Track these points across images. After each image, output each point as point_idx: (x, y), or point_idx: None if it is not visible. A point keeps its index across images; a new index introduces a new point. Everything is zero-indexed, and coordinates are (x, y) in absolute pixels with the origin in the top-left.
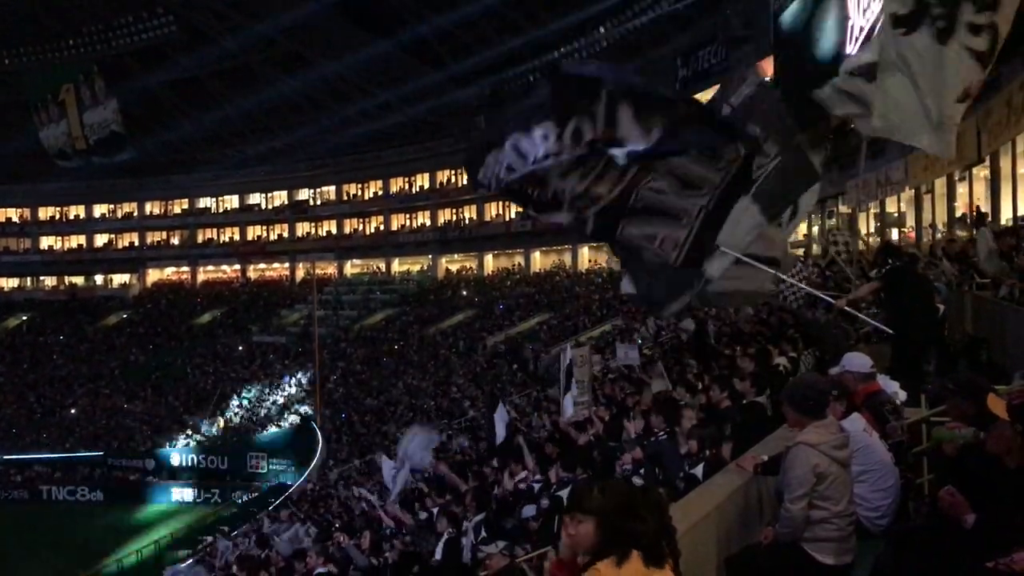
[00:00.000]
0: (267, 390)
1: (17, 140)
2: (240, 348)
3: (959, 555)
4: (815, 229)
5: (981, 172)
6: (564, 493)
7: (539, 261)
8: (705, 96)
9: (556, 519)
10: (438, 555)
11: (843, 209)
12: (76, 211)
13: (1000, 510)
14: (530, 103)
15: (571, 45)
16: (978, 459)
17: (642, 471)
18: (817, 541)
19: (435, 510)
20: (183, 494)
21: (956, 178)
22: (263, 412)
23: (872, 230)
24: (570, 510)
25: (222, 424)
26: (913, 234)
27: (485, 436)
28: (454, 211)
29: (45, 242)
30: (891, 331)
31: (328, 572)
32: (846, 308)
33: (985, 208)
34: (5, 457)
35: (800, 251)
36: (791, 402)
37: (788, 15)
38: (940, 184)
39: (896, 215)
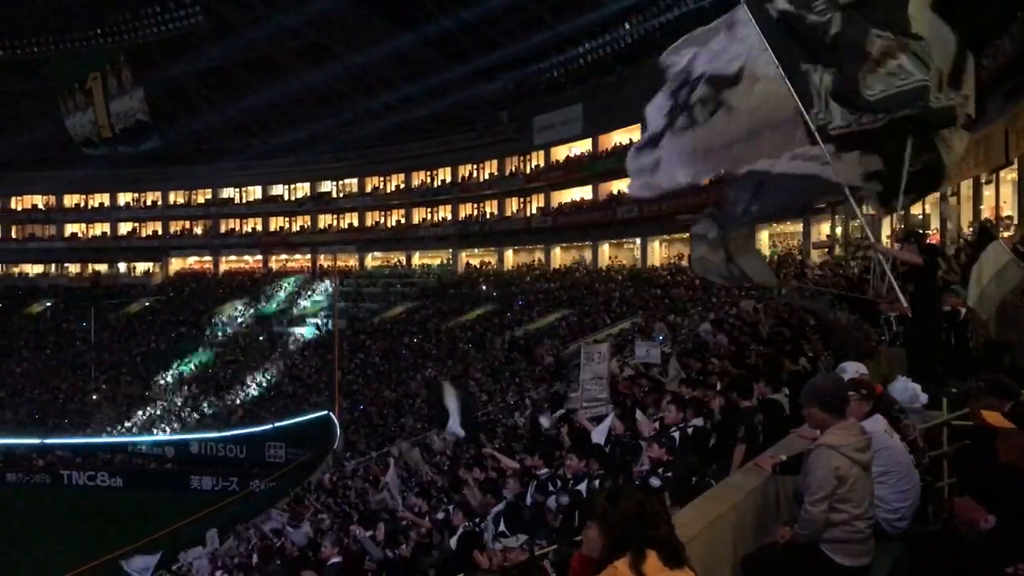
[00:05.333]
0: None
1: (44, 128)
2: (260, 338)
3: (977, 560)
4: (839, 231)
5: (1008, 175)
6: (583, 487)
7: (559, 257)
8: None
9: (576, 514)
10: (453, 547)
11: (867, 210)
12: (101, 199)
13: (1020, 516)
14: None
15: (595, 41)
16: (993, 469)
17: (660, 471)
18: (835, 542)
19: (451, 507)
20: (201, 482)
21: (983, 180)
22: None
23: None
24: (586, 515)
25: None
26: (937, 237)
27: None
28: (475, 206)
29: (70, 229)
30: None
31: (342, 563)
32: (879, 250)
33: (1011, 212)
34: (27, 441)
35: (823, 250)
36: (819, 401)
37: None
38: (966, 187)
39: (920, 217)
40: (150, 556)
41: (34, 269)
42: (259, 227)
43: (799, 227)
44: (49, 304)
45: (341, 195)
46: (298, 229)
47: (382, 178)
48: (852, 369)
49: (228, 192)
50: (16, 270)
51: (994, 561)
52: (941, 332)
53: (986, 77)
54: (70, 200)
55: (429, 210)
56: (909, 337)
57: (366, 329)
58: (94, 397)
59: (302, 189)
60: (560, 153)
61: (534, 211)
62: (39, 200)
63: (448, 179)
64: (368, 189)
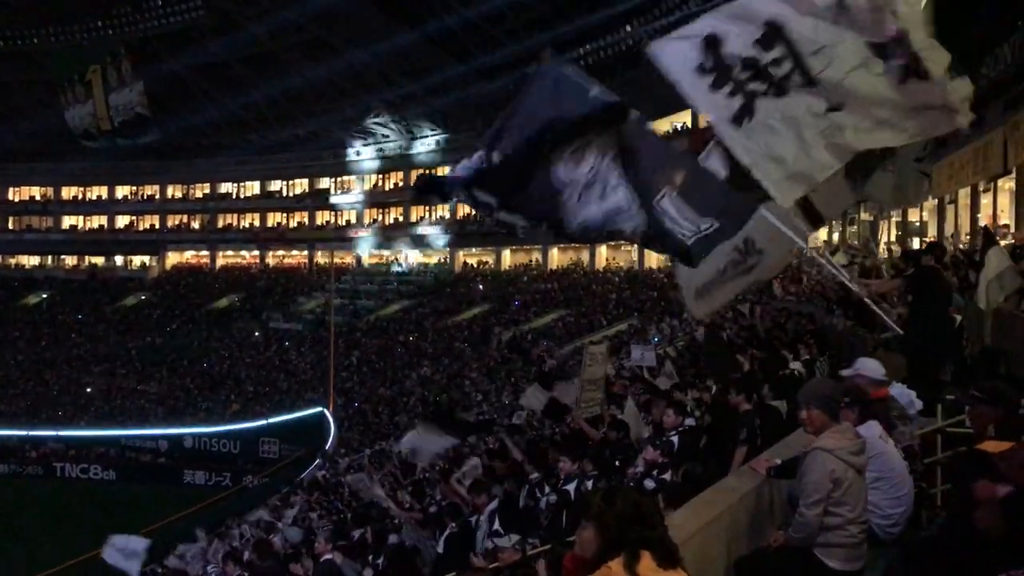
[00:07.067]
0: None
1: (43, 119)
2: (256, 334)
3: (970, 566)
4: (835, 236)
5: (1006, 184)
6: (571, 487)
7: (556, 258)
8: None
9: (564, 514)
10: (440, 549)
11: (864, 216)
12: (99, 191)
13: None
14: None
15: (597, 42)
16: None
17: (655, 473)
18: (828, 546)
19: (444, 503)
20: (194, 476)
21: (981, 189)
22: None
23: (893, 239)
24: (580, 514)
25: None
26: None
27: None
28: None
29: (67, 221)
30: (902, 333)
31: (335, 559)
32: (867, 299)
33: (1008, 220)
34: (21, 433)
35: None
36: (823, 404)
37: None
38: (964, 195)
39: (918, 224)
40: (137, 540)
41: (30, 261)
42: (257, 222)
43: None
44: (45, 296)
45: (339, 192)
46: (296, 225)
47: (381, 176)
48: (872, 367)
49: (226, 187)
50: (12, 261)
51: (987, 567)
52: (944, 337)
53: (986, 86)
54: (68, 192)
55: (427, 209)
56: (914, 341)
57: (362, 326)
58: (88, 390)
59: (300, 185)
60: None
61: None
62: (36, 192)
63: None
64: (366, 187)
